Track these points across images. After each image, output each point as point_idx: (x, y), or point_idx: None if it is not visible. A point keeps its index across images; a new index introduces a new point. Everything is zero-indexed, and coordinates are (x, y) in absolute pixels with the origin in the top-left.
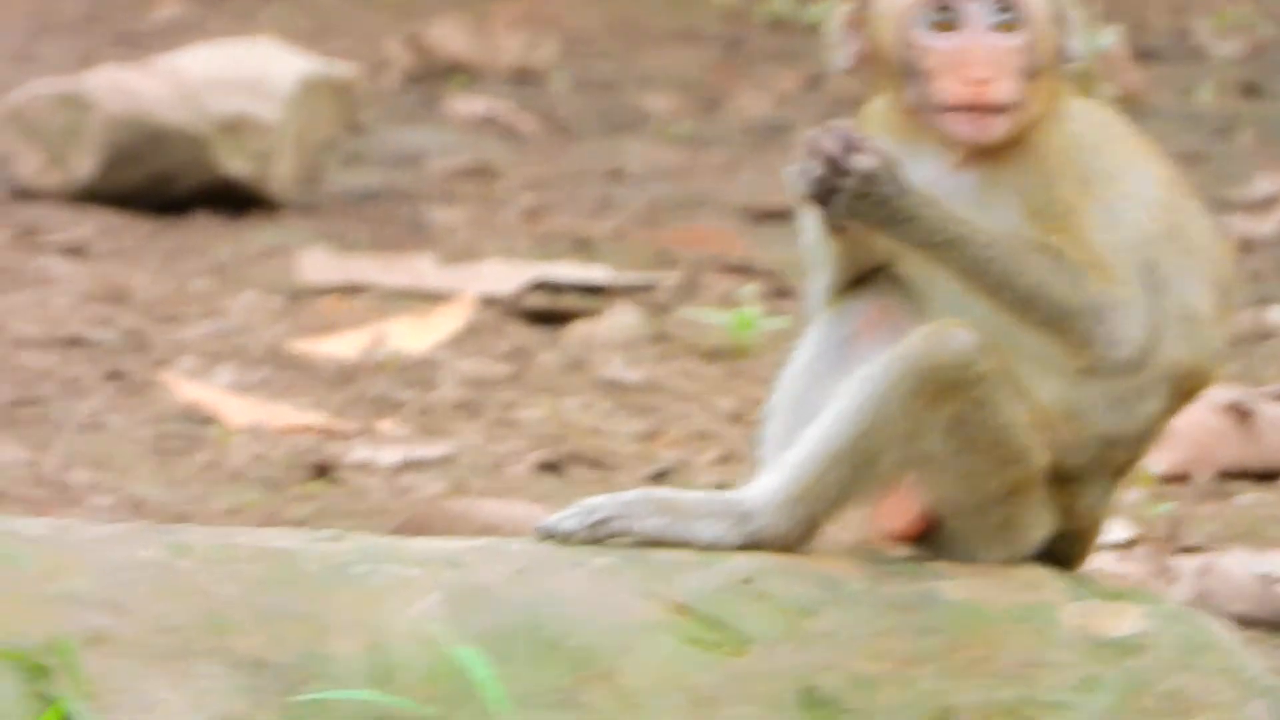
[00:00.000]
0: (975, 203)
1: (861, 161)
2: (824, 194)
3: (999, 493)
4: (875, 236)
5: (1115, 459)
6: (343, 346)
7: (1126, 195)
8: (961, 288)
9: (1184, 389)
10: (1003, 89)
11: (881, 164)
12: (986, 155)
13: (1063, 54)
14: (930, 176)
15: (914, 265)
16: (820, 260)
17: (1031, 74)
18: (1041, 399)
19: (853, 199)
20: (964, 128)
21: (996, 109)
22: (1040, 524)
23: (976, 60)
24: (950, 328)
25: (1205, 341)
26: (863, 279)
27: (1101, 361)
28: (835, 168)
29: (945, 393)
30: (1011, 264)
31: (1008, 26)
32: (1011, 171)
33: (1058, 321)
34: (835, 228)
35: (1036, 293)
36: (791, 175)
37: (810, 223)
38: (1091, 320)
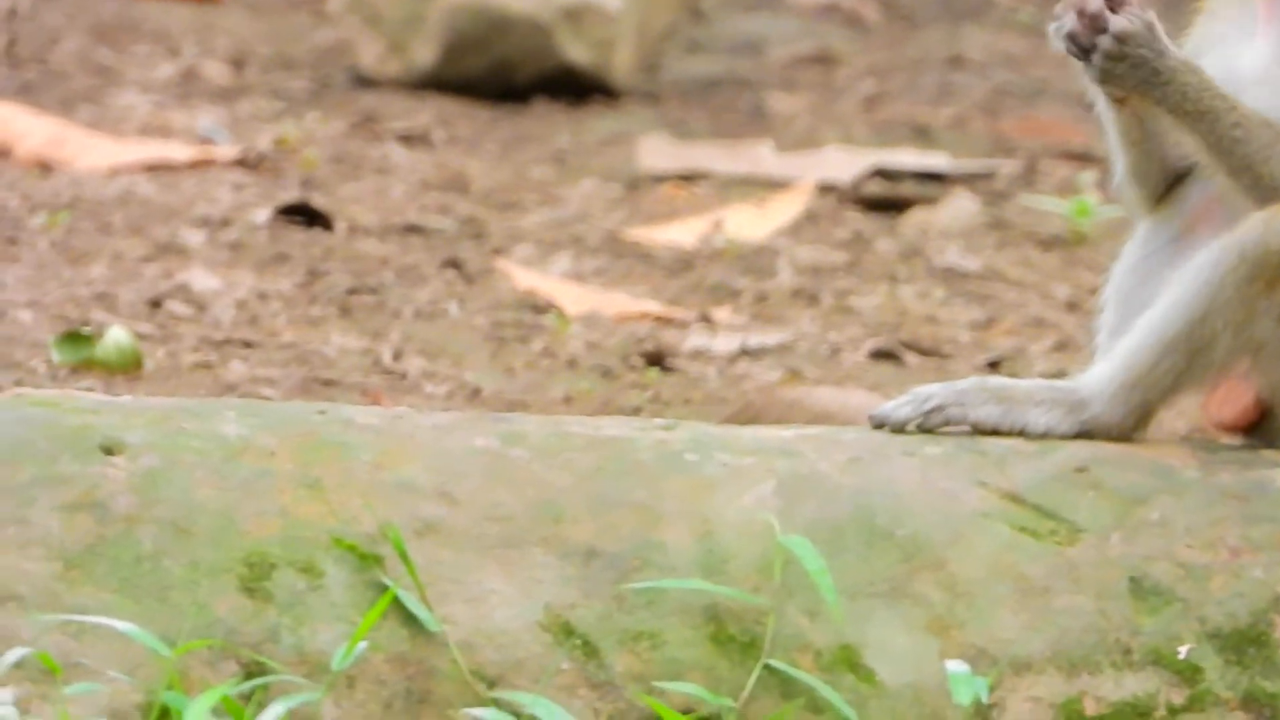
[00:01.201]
0: None
1: (1117, 21)
2: (1080, 51)
3: None
4: (1140, 104)
5: None
6: (680, 234)
7: None
8: (1206, 166)
9: None
10: None
11: (1139, 25)
12: None
13: None
14: (1246, 29)
15: (1169, 137)
16: (1113, 145)
17: None
18: None
19: (1108, 59)
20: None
21: None
22: None
23: None
24: None
25: None
26: (1190, 174)
27: None
28: (1093, 25)
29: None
30: (1256, 150)
31: None
32: None
33: None
34: (1112, 98)
35: (1276, 184)
36: (1051, 30)
37: (1098, 99)
38: None
